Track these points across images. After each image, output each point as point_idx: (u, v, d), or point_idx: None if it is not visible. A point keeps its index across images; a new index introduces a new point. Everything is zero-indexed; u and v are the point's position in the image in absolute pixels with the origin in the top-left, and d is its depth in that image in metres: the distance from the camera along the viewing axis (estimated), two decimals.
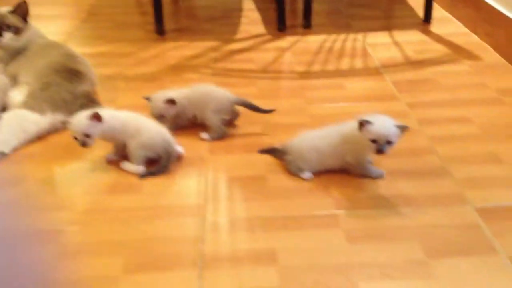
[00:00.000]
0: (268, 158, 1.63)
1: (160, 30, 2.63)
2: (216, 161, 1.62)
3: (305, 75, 2.19)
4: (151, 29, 2.69)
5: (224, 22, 2.82)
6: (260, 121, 1.80)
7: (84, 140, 1.48)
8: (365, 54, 2.37)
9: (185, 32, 2.69)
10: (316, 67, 2.26)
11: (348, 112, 1.87)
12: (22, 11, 1.91)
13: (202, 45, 2.52)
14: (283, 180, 1.52)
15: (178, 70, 2.26)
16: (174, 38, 2.60)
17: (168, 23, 2.71)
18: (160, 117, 1.69)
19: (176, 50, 2.46)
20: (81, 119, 1.48)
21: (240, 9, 3.00)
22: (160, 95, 1.74)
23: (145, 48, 2.48)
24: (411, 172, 1.53)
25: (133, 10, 3.02)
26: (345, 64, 2.28)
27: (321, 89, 2.06)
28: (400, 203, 1.40)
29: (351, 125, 1.49)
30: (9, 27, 1.88)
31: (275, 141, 1.68)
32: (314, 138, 1.54)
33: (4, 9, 1.92)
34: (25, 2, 1.91)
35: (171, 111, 1.72)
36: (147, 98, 1.75)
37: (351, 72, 2.20)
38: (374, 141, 1.40)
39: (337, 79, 2.15)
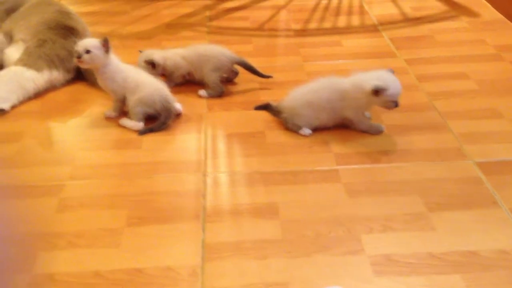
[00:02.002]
0: (266, 114, 1.62)
1: None
2: (214, 118, 1.61)
3: (302, 32, 2.17)
4: None
5: None
6: (258, 78, 1.78)
7: (81, 53, 1.48)
8: (362, 11, 2.34)
9: None
10: (313, 25, 2.23)
11: (346, 69, 1.85)
12: None
13: (196, 3, 2.47)
14: (281, 136, 1.52)
15: (173, 28, 2.22)
16: None
17: None
18: None
19: (170, 9, 2.41)
20: (92, 38, 1.52)
21: None
22: (148, 52, 1.75)
23: (139, 7, 2.43)
24: (411, 127, 1.53)
25: None
26: (342, 21, 2.25)
27: (318, 47, 2.04)
28: (400, 158, 1.40)
29: (348, 81, 1.49)
30: None
31: (272, 98, 1.67)
32: (306, 94, 1.52)
33: None
34: None
35: (151, 71, 1.71)
36: (141, 52, 1.78)
37: (348, 30, 2.18)
38: (392, 101, 1.42)
39: (333, 36, 2.13)
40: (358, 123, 1.49)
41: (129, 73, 1.55)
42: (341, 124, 1.52)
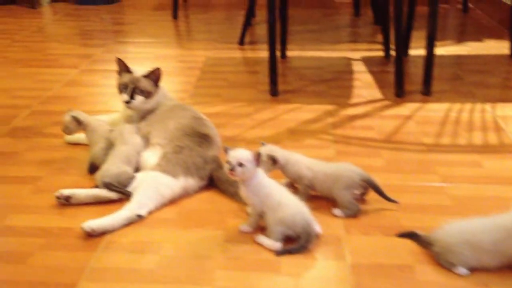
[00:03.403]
0: (410, 243, 1.48)
1: (274, 91, 2.57)
2: (353, 243, 1.49)
3: (434, 148, 2.05)
4: (263, 89, 2.64)
5: (336, 84, 2.73)
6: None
7: (234, 166, 1.44)
8: (497, 128, 2.20)
9: (297, 93, 2.63)
10: (445, 140, 2.11)
11: (494, 196, 1.70)
12: (155, 77, 1.94)
13: (317, 108, 2.43)
14: (433, 273, 1.37)
15: (296, 134, 2.17)
16: (287, 100, 2.54)
17: (279, 84, 2.64)
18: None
19: (291, 113, 2.39)
20: (245, 150, 1.49)
21: (350, 71, 2.92)
22: (271, 147, 1.70)
23: (261, 109, 2.42)
24: None
25: (242, 69, 3.00)
26: (477, 138, 2.12)
27: (455, 166, 1.91)
28: None
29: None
30: (141, 91, 1.90)
31: (413, 223, 1.54)
32: (464, 232, 1.38)
33: (139, 72, 1.93)
34: (158, 69, 1.94)
35: (268, 167, 1.65)
36: (263, 143, 1.73)
37: (486, 149, 2.03)
38: None
39: (471, 155, 1.99)
40: None
41: (272, 189, 1.49)
42: (503, 266, 1.35)
